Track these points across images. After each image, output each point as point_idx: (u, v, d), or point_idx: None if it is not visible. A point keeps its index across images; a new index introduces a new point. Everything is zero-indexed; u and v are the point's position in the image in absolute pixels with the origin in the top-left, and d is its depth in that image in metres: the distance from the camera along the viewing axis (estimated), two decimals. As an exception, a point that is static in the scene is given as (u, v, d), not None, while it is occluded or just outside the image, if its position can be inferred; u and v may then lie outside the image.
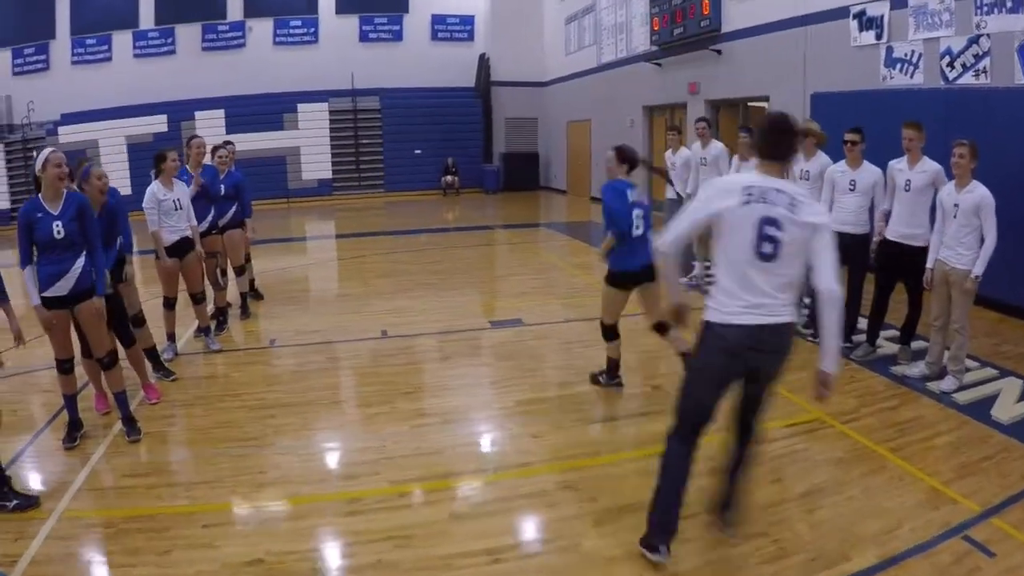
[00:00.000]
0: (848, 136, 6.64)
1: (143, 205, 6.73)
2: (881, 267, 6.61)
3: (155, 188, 6.74)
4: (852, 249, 6.71)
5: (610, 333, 6.07)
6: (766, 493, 4.34)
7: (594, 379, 6.24)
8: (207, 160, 8.00)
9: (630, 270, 5.77)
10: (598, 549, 3.81)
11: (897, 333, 6.82)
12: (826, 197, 6.87)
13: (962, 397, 5.74)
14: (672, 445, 3.60)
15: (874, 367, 6.51)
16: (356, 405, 6.04)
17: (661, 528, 3.60)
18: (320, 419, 5.72)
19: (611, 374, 6.18)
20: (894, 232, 6.41)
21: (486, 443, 5.30)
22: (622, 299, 5.93)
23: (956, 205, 5.77)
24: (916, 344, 6.71)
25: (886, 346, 6.88)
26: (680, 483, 3.58)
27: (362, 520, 4.13)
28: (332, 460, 5.06)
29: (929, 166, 6.23)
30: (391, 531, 3.97)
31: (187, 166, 7.57)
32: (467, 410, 5.78)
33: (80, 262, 4.96)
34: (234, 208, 8.23)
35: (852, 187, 6.65)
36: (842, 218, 6.70)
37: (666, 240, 3.43)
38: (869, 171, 6.64)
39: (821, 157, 7.38)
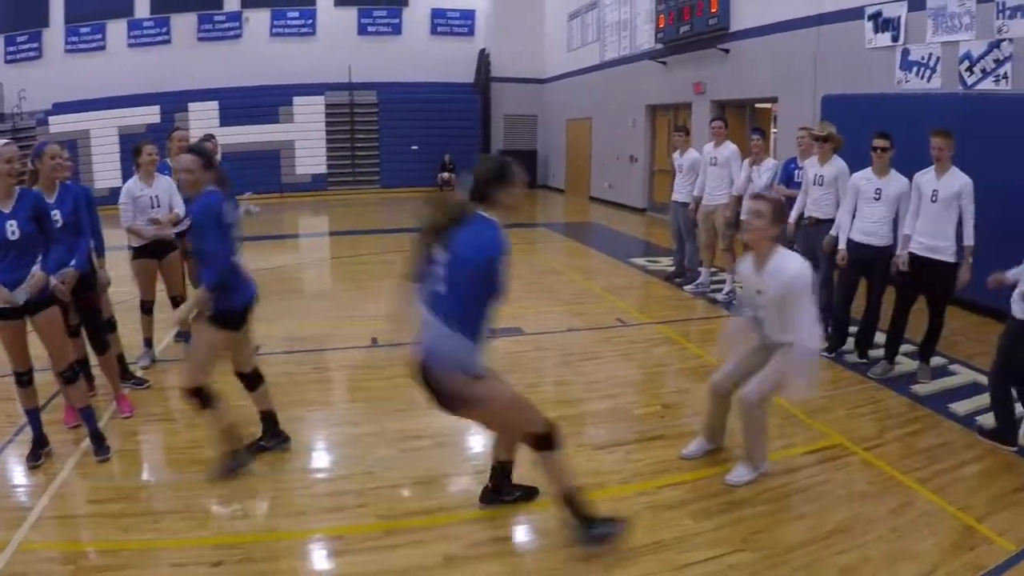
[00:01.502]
0: (878, 142, 6.24)
1: (118, 201, 6.33)
2: (903, 281, 6.25)
3: (131, 184, 6.35)
4: (874, 262, 6.40)
5: (206, 397, 4.49)
6: (791, 531, 4.02)
7: (231, 470, 4.57)
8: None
9: (248, 302, 4.64)
10: (607, 599, 3.42)
11: (915, 348, 6.53)
12: (849, 206, 6.51)
13: (989, 420, 5.37)
14: None
15: (893, 386, 6.18)
16: (342, 424, 5.55)
17: None
18: (303, 440, 5.24)
19: (276, 431, 4.89)
20: (918, 245, 6.05)
21: (482, 471, 4.75)
22: (227, 344, 4.62)
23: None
24: (935, 361, 6.44)
25: (904, 363, 6.55)
26: None
27: (345, 563, 3.72)
28: (314, 489, 4.55)
29: (959, 177, 5.86)
30: None
31: (168, 160, 7.15)
32: (463, 431, 5.32)
33: (36, 268, 4.53)
34: (219, 205, 7.78)
35: (877, 196, 6.26)
36: (864, 228, 6.37)
37: None
38: (897, 180, 6.25)
39: (837, 162, 7.09)
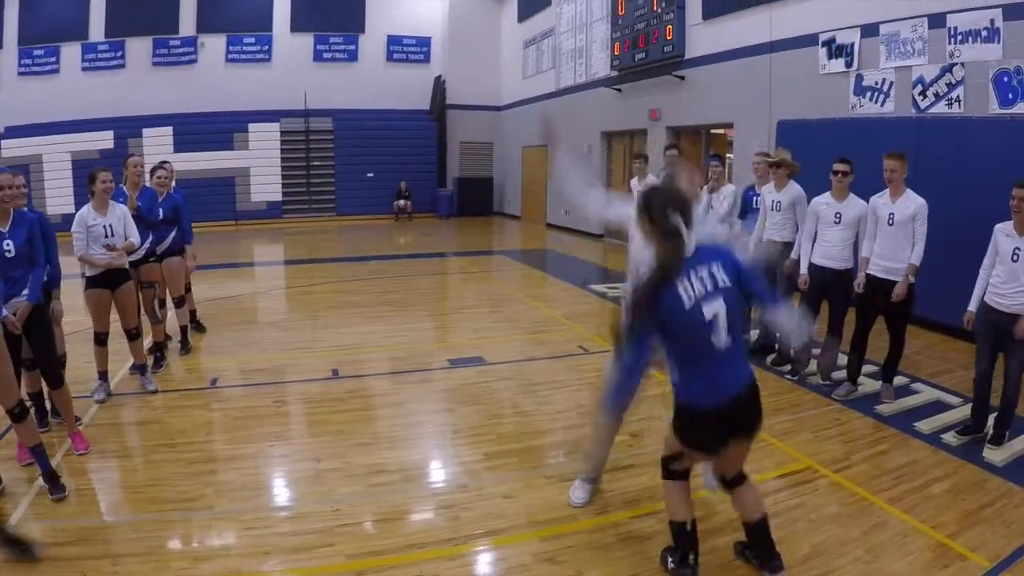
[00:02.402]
0: (838, 166, 6.34)
1: (72, 228, 6.13)
2: (862, 303, 6.32)
3: (85, 212, 6.13)
4: (834, 284, 6.47)
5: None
6: (766, 557, 3.95)
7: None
8: (146, 181, 7.43)
9: None
10: (586, 636, 3.33)
11: (877, 369, 6.62)
12: (809, 230, 6.58)
13: (953, 438, 5.49)
14: None
15: (857, 406, 6.23)
16: (305, 459, 5.33)
17: None
18: (264, 476, 5.09)
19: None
20: (876, 267, 6.14)
21: (452, 506, 4.66)
22: None
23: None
24: (898, 380, 6.52)
25: (867, 383, 6.61)
26: None
27: (315, 606, 3.59)
28: (279, 529, 4.35)
29: (914, 200, 5.95)
30: (348, 618, 3.44)
31: (123, 186, 6.97)
32: (429, 465, 5.23)
33: None
34: (173, 233, 7.64)
35: (837, 220, 6.35)
36: (825, 252, 6.45)
37: None
38: (855, 204, 6.35)
39: (793, 187, 7.16)
